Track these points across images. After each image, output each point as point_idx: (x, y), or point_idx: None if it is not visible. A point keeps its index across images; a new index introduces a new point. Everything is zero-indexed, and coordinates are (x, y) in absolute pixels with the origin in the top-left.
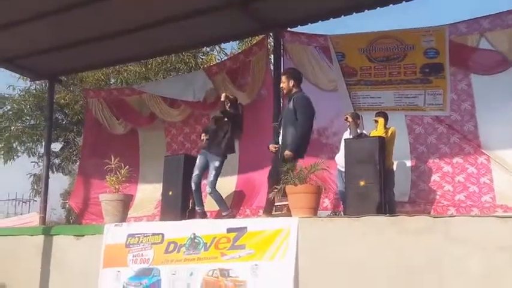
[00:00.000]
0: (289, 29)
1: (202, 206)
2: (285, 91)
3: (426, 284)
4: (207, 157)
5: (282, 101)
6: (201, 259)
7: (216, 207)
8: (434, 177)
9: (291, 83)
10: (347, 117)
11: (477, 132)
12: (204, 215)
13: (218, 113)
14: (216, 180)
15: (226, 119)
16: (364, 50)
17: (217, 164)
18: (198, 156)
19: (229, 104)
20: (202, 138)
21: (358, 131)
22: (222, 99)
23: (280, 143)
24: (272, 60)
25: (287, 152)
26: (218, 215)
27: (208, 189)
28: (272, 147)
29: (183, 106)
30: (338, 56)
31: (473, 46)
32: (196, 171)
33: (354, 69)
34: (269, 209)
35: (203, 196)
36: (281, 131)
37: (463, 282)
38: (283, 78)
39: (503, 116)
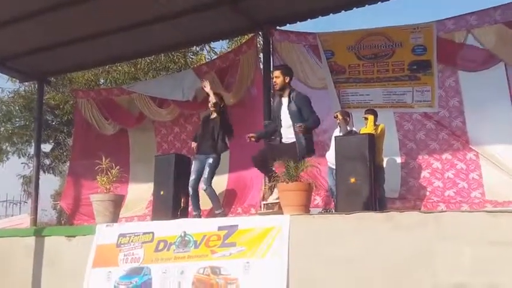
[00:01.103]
0: (278, 27)
1: (199, 210)
2: (277, 87)
3: (418, 279)
4: (201, 160)
5: (272, 100)
6: (192, 257)
7: (208, 206)
8: (424, 173)
9: (286, 79)
10: (337, 115)
11: (465, 128)
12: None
13: (205, 115)
14: (211, 177)
15: (213, 118)
16: (352, 47)
17: (211, 161)
18: (193, 162)
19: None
20: (192, 146)
21: (348, 128)
22: (211, 103)
23: (282, 140)
24: (262, 59)
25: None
26: (210, 214)
27: (203, 185)
28: (251, 136)
29: (172, 106)
30: (327, 54)
31: (460, 42)
32: (193, 176)
33: (343, 66)
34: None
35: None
36: (285, 132)
37: (455, 276)
38: (277, 73)
39: (491, 112)
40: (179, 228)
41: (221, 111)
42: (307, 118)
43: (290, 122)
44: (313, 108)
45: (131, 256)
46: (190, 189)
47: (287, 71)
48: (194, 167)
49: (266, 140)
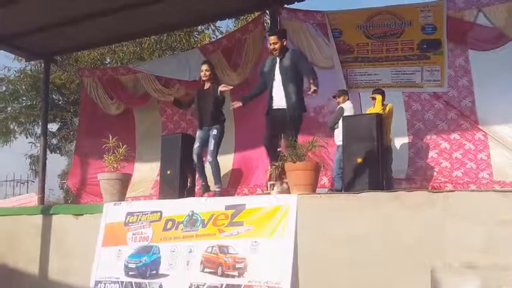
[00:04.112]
0: (286, 5)
1: (205, 178)
2: (277, 52)
3: (427, 259)
4: (204, 130)
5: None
6: (199, 236)
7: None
8: (432, 153)
9: (284, 41)
10: (336, 98)
11: (474, 108)
12: (207, 188)
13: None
14: (217, 149)
15: (207, 88)
16: (361, 26)
17: (215, 132)
18: (198, 131)
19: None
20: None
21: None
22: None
23: (274, 105)
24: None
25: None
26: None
27: (208, 157)
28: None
29: (178, 85)
30: (335, 32)
31: (470, 21)
32: (197, 143)
33: (351, 46)
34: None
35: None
36: (274, 95)
37: (464, 255)
38: (274, 38)
39: (501, 92)
40: (187, 207)
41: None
42: (306, 72)
43: (283, 84)
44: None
45: (140, 235)
46: (194, 156)
47: (282, 33)
48: (198, 134)
49: (265, 115)
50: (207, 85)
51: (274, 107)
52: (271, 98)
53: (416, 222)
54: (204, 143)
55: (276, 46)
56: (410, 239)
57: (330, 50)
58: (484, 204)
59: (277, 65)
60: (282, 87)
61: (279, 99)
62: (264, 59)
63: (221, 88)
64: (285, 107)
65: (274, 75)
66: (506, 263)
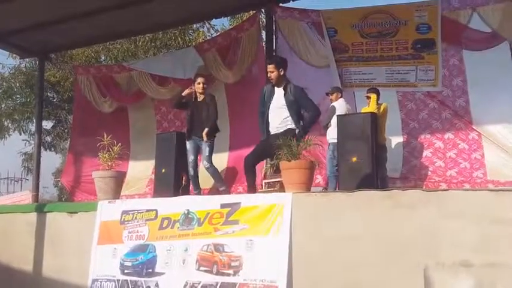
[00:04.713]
0: (281, 4)
1: (200, 189)
2: (273, 81)
3: (421, 258)
4: (195, 140)
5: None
6: (195, 234)
7: (209, 185)
8: (426, 153)
9: (281, 72)
10: (329, 95)
11: (468, 108)
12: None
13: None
14: (211, 155)
15: (201, 100)
16: (356, 25)
17: (208, 142)
18: (187, 143)
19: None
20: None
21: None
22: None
23: (271, 131)
24: (264, 37)
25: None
26: (211, 193)
27: (205, 163)
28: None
29: (172, 84)
30: (330, 31)
31: (465, 21)
32: (191, 157)
33: (346, 45)
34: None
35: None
36: (271, 122)
37: (458, 254)
38: (271, 67)
39: (495, 91)
40: (182, 205)
41: (210, 94)
42: (306, 108)
43: (284, 111)
44: (309, 97)
45: (136, 233)
46: (191, 169)
47: (281, 63)
48: (189, 147)
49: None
50: (200, 97)
51: (271, 133)
52: (267, 123)
53: (411, 221)
54: (197, 153)
55: (273, 75)
56: (404, 237)
57: (325, 49)
58: (478, 203)
59: (276, 95)
60: (279, 115)
61: (276, 127)
62: (259, 58)
63: (184, 92)
64: (281, 132)
65: (271, 102)
66: (500, 261)
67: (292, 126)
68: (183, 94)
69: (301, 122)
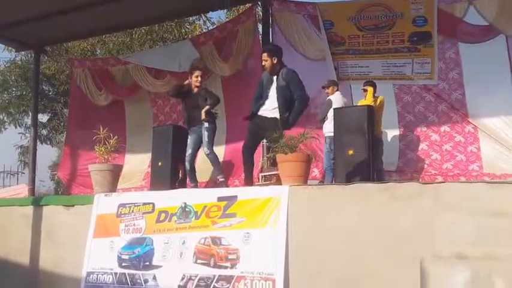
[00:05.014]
0: None
1: (197, 183)
2: (267, 69)
3: (417, 250)
4: (195, 131)
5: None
6: (193, 228)
7: (206, 178)
8: (422, 146)
9: (274, 60)
10: (325, 89)
11: (464, 101)
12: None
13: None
14: (212, 140)
15: (196, 92)
16: (352, 18)
17: (206, 125)
18: (189, 137)
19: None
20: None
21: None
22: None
23: (264, 115)
24: (260, 30)
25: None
26: (208, 186)
27: (206, 150)
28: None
29: (168, 76)
30: (327, 24)
31: (461, 14)
32: (189, 150)
33: (342, 37)
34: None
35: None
36: (266, 104)
37: (454, 247)
38: (265, 55)
39: (491, 84)
40: (179, 199)
41: (204, 88)
42: (296, 94)
43: (275, 98)
44: (303, 84)
45: (133, 227)
46: (187, 164)
47: (274, 51)
48: (190, 141)
49: (249, 119)
50: (195, 90)
51: (259, 113)
52: (260, 105)
53: (407, 214)
54: (197, 149)
55: (266, 64)
56: (400, 230)
57: (321, 42)
58: (474, 196)
59: (274, 84)
60: (273, 102)
61: (270, 110)
62: (255, 51)
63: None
64: (273, 117)
65: (269, 89)
66: (496, 253)
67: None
68: (185, 83)
69: (286, 112)
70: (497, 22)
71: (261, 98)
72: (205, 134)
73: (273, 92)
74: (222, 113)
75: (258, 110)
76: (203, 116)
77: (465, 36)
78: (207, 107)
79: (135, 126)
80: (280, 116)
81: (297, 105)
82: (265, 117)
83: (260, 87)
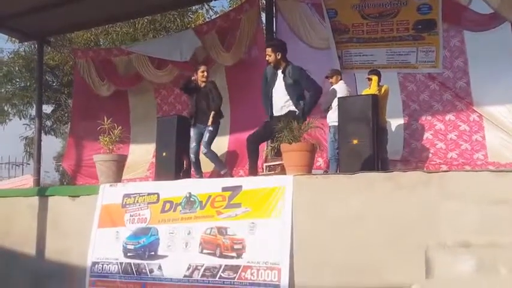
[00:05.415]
0: None
1: (202, 174)
2: (272, 64)
3: (422, 238)
4: (199, 128)
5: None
6: (198, 218)
7: (210, 169)
8: (427, 135)
9: (278, 55)
10: (328, 78)
11: (469, 90)
12: None
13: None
14: (211, 141)
15: (204, 87)
16: (356, 6)
17: (211, 128)
18: (191, 130)
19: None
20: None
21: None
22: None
23: (274, 113)
24: (264, 19)
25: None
26: (212, 176)
27: (203, 149)
28: None
29: (171, 66)
30: (330, 12)
31: (466, 2)
32: (193, 143)
33: (346, 26)
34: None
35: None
36: (275, 104)
37: (459, 235)
38: (269, 50)
39: (496, 73)
40: (184, 189)
41: (211, 82)
42: (306, 88)
43: (284, 95)
44: (311, 77)
45: (138, 217)
46: (192, 156)
47: (278, 47)
48: (193, 134)
49: (266, 121)
50: (202, 84)
51: (274, 115)
52: (271, 105)
53: (411, 203)
54: (200, 141)
55: (270, 59)
56: (405, 219)
57: (325, 30)
58: (479, 185)
59: (279, 79)
60: (281, 97)
61: (279, 109)
62: (259, 40)
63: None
64: (285, 113)
65: (274, 86)
66: (501, 242)
67: (293, 108)
68: (192, 79)
69: (301, 103)
70: (502, 9)
71: (268, 97)
72: (206, 135)
73: (278, 87)
74: (226, 102)
75: (271, 112)
76: (210, 122)
77: (470, 24)
78: (213, 113)
79: (139, 117)
80: (296, 108)
81: (311, 96)
82: (280, 115)
83: (265, 83)
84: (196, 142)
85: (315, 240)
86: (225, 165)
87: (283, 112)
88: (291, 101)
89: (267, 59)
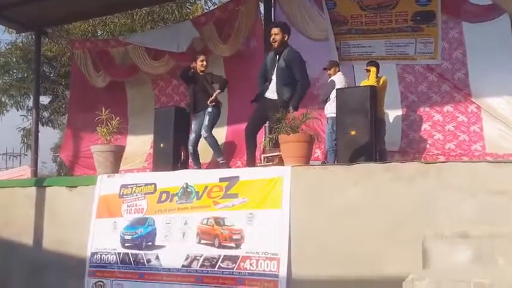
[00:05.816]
0: None
1: (200, 164)
2: (276, 44)
3: (420, 229)
4: (200, 116)
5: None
6: (194, 208)
7: (208, 159)
8: (425, 126)
9: (285, 36)
10: (327, 70)
11: (467, 81)
12: None
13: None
14: (212, 125)
15: (202, 74)
16: None
17: (210, 109)
18: (193, 121)
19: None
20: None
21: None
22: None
23: (268, 96)
24: (262, 10)
25: (292, 111)
26: (209, 167)
27: (203, 133)
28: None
29: (167, 57)
30: (329, 4)
31: None
32: (192, 135)
33: (345, 17)
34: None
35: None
36: (270, 86)
37: (457, 226)
38: (277, 30)
39: (494, 64)
40: (181, 179)
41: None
42: (296, 74)
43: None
44: (305, 67)
45: (135, 207)
46: (190, 147)
47: (286, 28)
48: (194, 125)
49: (255, 102)
50: (200, 74)
51: (266, 96)
52: (266, 87)
53: (409, 194)
54: (200, 133)
55: (277, 37)
56: (403, 209)
57: (324, 22)
58: (476, 175)
59: (277, 63)
60: (277, 84)
61: (273, 92)
62: (257, 31)
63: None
64: (276, 98)
65: (273, 71)
66: (498, 232)
67: (286, 97)
68: (191, 66)
69: (285, 90)
70: (501, 1)
71: (265, 78)
72: (206, 118)
73: (275, 72)
74: (224, 93)
75: (263, 92)
76: (213, 98)
77: (469, 16)
78: (218, 91)
79: (137, 108)
80: (278, 97)
81: (298, 90)
82: (270, 99)
83: (264, 68)
84: (196, 133)
85: (312, 231)
86: (223, 154)
87: (275, 96)
88: (286, 89)
89: (272, 38)
